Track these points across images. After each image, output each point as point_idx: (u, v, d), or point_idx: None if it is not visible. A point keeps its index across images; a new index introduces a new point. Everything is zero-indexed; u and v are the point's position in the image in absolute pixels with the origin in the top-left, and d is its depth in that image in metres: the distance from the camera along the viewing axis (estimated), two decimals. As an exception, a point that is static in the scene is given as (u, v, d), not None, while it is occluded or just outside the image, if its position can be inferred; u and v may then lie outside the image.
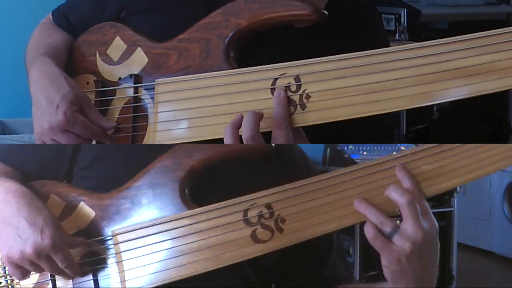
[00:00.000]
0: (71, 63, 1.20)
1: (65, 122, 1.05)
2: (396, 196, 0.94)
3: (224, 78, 1.02)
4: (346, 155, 2.72)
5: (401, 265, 0.93)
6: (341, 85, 0.95)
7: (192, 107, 1.04)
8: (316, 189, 0.97)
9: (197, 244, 0.98)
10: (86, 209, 1.03)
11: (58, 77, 1.09)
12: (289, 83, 0.97)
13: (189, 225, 0.98)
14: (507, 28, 0.88)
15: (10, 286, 1.04)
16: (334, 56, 0.95)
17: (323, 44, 0.99)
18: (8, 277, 1.04)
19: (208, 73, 1.04)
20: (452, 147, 0.97)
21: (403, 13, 2.62)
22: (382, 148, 2.83)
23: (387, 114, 1.18)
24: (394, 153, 2.79)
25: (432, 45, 0.91)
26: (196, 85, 1.04)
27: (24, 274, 0.99)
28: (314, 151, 2.99)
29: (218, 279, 1.00)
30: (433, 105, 2.96)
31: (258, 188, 0.99)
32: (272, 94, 0.98)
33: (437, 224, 0.95)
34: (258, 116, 0.96)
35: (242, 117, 0.97)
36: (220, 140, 1.01)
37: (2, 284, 1.04)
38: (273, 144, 0.99)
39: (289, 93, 0.97)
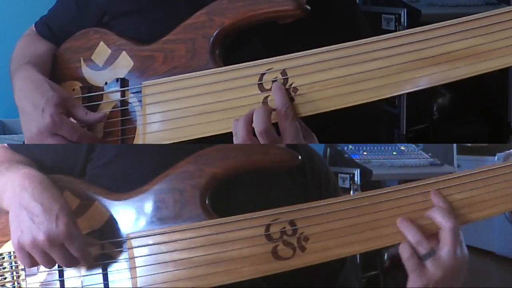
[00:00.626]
0: (55, 70, 1.20)
1: (52, 124, 1.04)
2: (442, 220, 0.94)
3: (210, 77, 1.02)
4: (346, 155, 2.72)
5: None
6: (327, 77, 0.95)
7: (180, 107, 1.04)
8: (342, 209, 0.96)
9: (215, 256, 0.95)
10: (101, 208, 1.00)
11: (41, 82, 1.09)
12: (276, 77, 0.97)
13: (208, 235, 0.95)
14: (486, 12, 0.89)
15: (16, 282, 1.02)
16: (318, 49, 0.96)
17: (308, 39, 0.99)
18: (14, 273, 1.02)
19: (194, 73, 1.03)
20: (486, 176, 0.97)
21: (403, 13, 2.63)
22: (382, 148, 2.83)
23: (383, 113, 1.18)
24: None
25: (414, 33, 0.91)
26: (182, 85, 1.04)
27: (33, 263, 0.95)
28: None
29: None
30: (433, 105, 2.95)
31: (281, 199, 0.98)
32: (260, 90, 0.98)
33: (467, 255, 0.96)
34: (269, 110, 0.96)
35: None
36: (208, 138, 1.01)
37: (7, 280, 1.02)
38: (299, 157, 0.98)
39: None
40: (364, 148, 2.80)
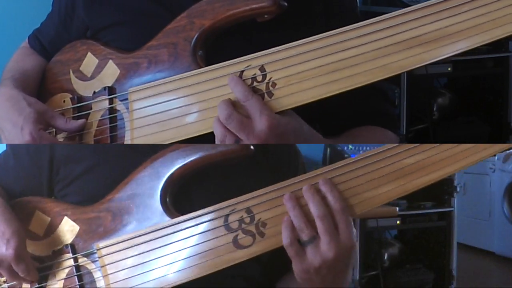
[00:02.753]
0: (46, 84, 1.22)
1: (32, 142, 1.07)
2: (312, 207, 0.94)
3: (192, 78, 1.04)
4: (346, 155, 2.71)
5: (309, 275, 0.94)
6: (304, 68, 0.96)
7: (166, 110, 1.06)
8: (294, 191, 0.96)
9: (180, 253, 0.98)
10: (70, 223, 1.05)
11: (18, 99, 1.11)
12: (255, 74, 0.99)
13: (171, 234, 0.99)
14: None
15: None
16: (294, 42, 0.97)
17: (289, 33, 1.01)
18: None
19: (176, 76, 1.05)
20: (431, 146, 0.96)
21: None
22: (382, 148, 2.81)
23: (385, 90, 1.19)
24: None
25: (386, 19, 0.93)
26: (167, 89, 1.06)
27: None
28: (314, 151, 2.98)
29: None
30: (433, 105, 2.94)
31: (243, 192, 0.99)
32: None
33: (354, 243, 0.95)
34: (229, 100, 0.98)
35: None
36: (197, 138, 1.03)
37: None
38: (251, 147, 0.99)
39: (255, 84, 0.99)
40: (364, 148, 2.79)
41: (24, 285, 1.05)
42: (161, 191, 1.01)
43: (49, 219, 1.06)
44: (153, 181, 1.01)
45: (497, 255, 3.95)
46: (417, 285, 2.96)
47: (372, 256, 2.80)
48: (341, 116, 1.13)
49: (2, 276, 1.04)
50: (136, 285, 0.99)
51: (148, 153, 1.03)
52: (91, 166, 1.08)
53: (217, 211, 0.98)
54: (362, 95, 1.07)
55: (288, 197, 0.95)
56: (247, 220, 0.97)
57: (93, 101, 1.15)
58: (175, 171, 1.01)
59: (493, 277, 3.84)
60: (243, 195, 0.97)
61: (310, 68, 0.96)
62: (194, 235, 0.98)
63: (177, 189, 1.02)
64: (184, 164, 1.01)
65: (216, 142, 0.99)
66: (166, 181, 1.01)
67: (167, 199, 1.01)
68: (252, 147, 0.99)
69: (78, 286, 1.03)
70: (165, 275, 0.98)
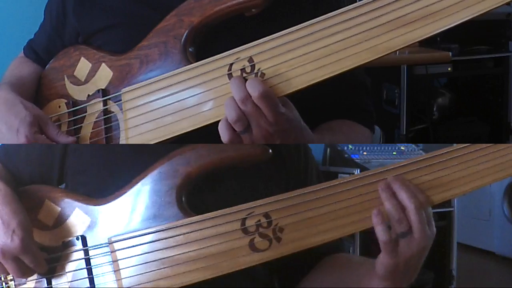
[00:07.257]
0: (43, 91, 1.23)
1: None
2: (405, 199, 0.93)
3: (183, 74, 1.05)
4: (346, 155, 2.71)
5: (398, 267, 0.94)
6: (291, 57, 0.97)
7: (158, 108, 1.07)
8: (315, 199, 0.97)
9: (195, 253, 0.98)
10: (81, 215, 1.04)
11: (14, 102, 1.12)
12: (244, 65, 1.00)
13: (187, 233, 0.99)
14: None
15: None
16: (280, 32, 0.98)
17: (277, 25, 1.02)
18: (3, 283, 1.05)
19: (167, 73, 1.06)
20: (450, 156, 0.97)
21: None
22: (382, 148, 2.82)
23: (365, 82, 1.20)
24: (392, 153, 2.74)
25: (370, 2, 0.94)
26: (158, 87, 1.07)
27: None
28: (314, 151, 2.94)
29: None
30: (433, 105, 2.93)
31: (258, 194, 0.99)
32: (230, 79, 1.00)
33: (435, 232, 0.95)
34: (240, 77, 0.98)
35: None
36: (189, 134, 1.04)
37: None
38: (270, 151, 1.00)
39: (245, 75, 1.00)
40: (364, 148, 2.79)
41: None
42: (177, 190, 1.01)
43: (59, 209, 1.05)
44: (171, 178, 1.01)
45: (497, 255, 3.91)
46: (417, 285, 2.94)
47: (372, 256, 2.71)
48: (320, 108, 1.13)
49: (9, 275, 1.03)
50: (148, 282, 0.99)
51: (163, 153, 1.03)
52: (105, 161, 1.09)
53: (235, 213, 0.98)
54: (344, 88, 1.08)
55: (384, 186, 0.95)
56: (265, 224, 0.97)
57: (87, 104, 1.16)
58: (192, 170, 1.01)
59: (493, 277, 3.80)
60: (262, 199, 0.98)
61: (297, 56, 0.96)
62: (210, 236, 0.98)
63: (193, 188, 1.02)
64: (203, 163, 1.01)
65: (220, 125, 0.98)
66: (183, 180, 1.01)
67: (182, 198, 1.01)
68: (270, 150, 1.00)
69: (87, 279, 1.02)
70: (179, 274, 0.98)
